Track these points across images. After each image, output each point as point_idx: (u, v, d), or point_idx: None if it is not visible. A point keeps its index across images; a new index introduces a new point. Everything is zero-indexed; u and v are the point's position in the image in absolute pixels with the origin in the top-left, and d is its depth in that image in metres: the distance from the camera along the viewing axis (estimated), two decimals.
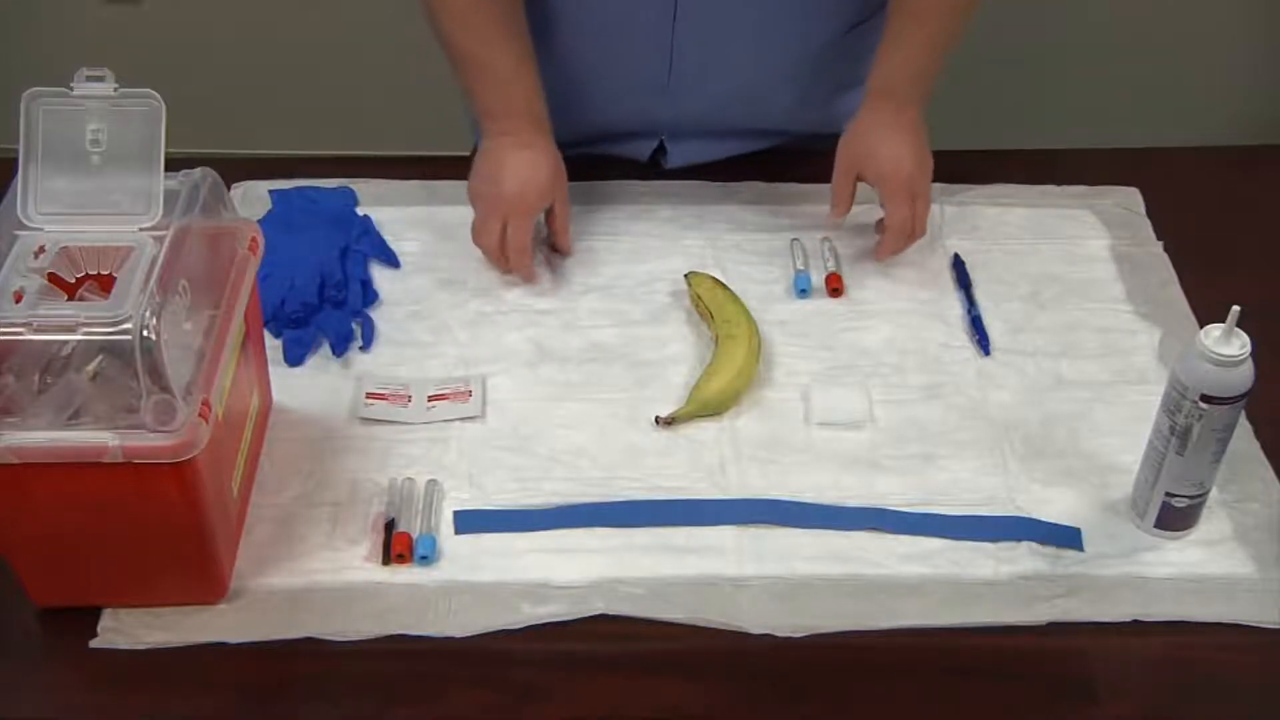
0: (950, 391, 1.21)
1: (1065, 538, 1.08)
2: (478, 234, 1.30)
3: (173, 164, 1.00)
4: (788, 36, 1.35)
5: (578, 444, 1.16)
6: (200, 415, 0.91)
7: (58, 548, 0.99)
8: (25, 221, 0.98)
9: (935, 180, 1.41)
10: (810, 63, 1.38)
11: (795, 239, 1.35)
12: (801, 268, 1.32)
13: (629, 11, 1.31)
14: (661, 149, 1.45)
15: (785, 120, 1.44)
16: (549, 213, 1.32)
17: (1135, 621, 1.03)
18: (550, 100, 1.31)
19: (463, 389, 1.20)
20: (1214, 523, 1.09)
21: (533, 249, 1.30)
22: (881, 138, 1.29)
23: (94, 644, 1.00)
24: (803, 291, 1.30)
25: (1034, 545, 1.08)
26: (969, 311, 1.28)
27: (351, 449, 1.15)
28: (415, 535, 1.07)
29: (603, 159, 1.45)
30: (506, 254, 1.29)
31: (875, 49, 1.31)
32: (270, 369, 1.19)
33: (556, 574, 1.05)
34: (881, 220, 1.31)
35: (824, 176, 1.32)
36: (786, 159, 1.43)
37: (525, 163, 1.27)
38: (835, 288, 1.31)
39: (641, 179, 1.44)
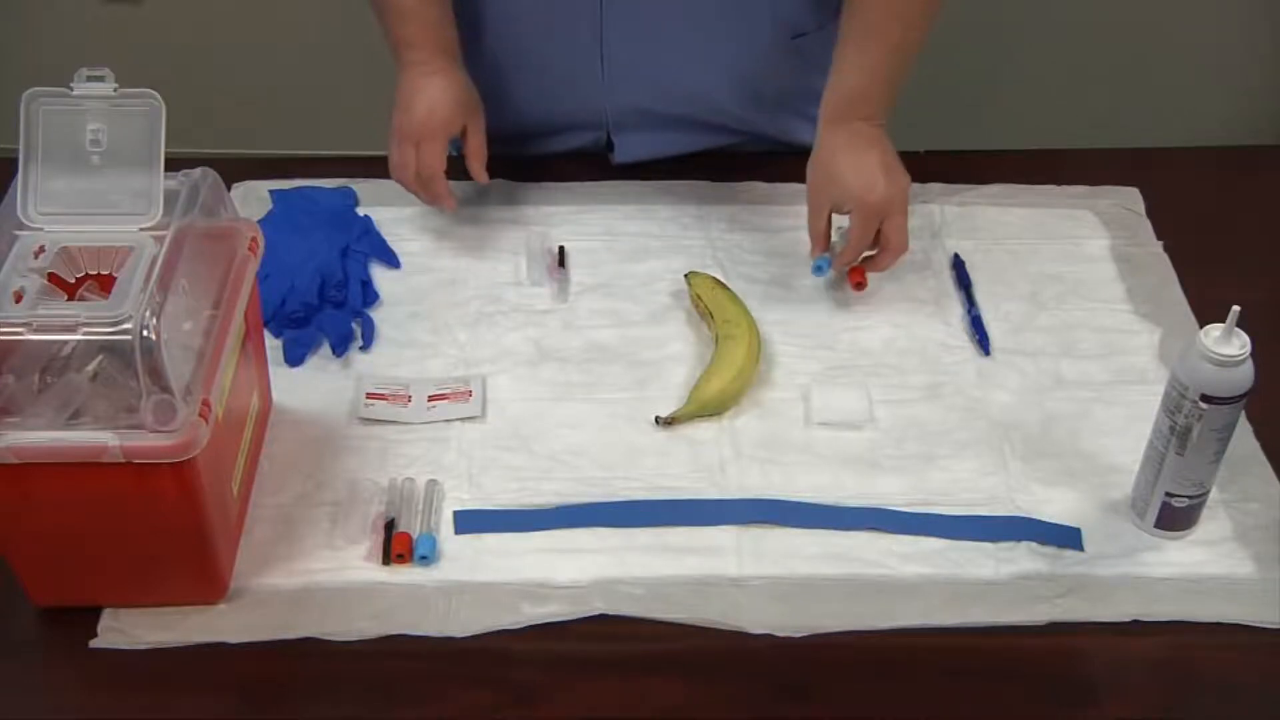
0: (950, 391, 1.21)
1: (1065, 538, 1.08)
2: (392, 165, 1.32)
3: (173, 164, 1.00)
4: (723, 35, 1.35)
5: (578, 444, 1.16)
6: (200, 415, 0.91)
7: (58, 548, 0.99)
8: (25, 221, 0.98)
9: (935, 180, 1.42)
10: (752, 65, 1.38)
11: (839, 226, 1.30)
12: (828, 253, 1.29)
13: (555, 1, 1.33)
14: (610, 144, 1.45)
15: (737, 122, 1.44)
16: (464, 140, 1.32)
17: (1135, 621, 1.03)
18: (490, 89, 1.34)
19: (463, 389, 1.20)
20: (1214, 523, 1.09)
21: (450, 183, 1.31)
22: (845, 163, 1.24)
23: (94, 644, 1.00)
24: (818, 269, 1.28)
25: (1034, 545, 1.08)
26: (969, 311, 1.28)
27: (351, 449, 1.15)
28: (415, 535, 1.07)
29: (552, 157, 1.45)
30: (422, 181, 1.31)
31: (825, 63, 1.27)
32: (270, 369, 1.19)
33: (556, 574, 1.05)
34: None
35: None
36: (786, 159, 1.43)
37: (433, 87, 1.29)
38: (859, 281, 1.29)
39: (593, 176, 1.44)
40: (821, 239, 1.29)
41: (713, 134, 1.45)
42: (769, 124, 1.44)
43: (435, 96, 1.29)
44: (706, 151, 1.45)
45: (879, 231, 1.26)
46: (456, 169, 1.33)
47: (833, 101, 1.26)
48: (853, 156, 1.25)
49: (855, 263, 1.29)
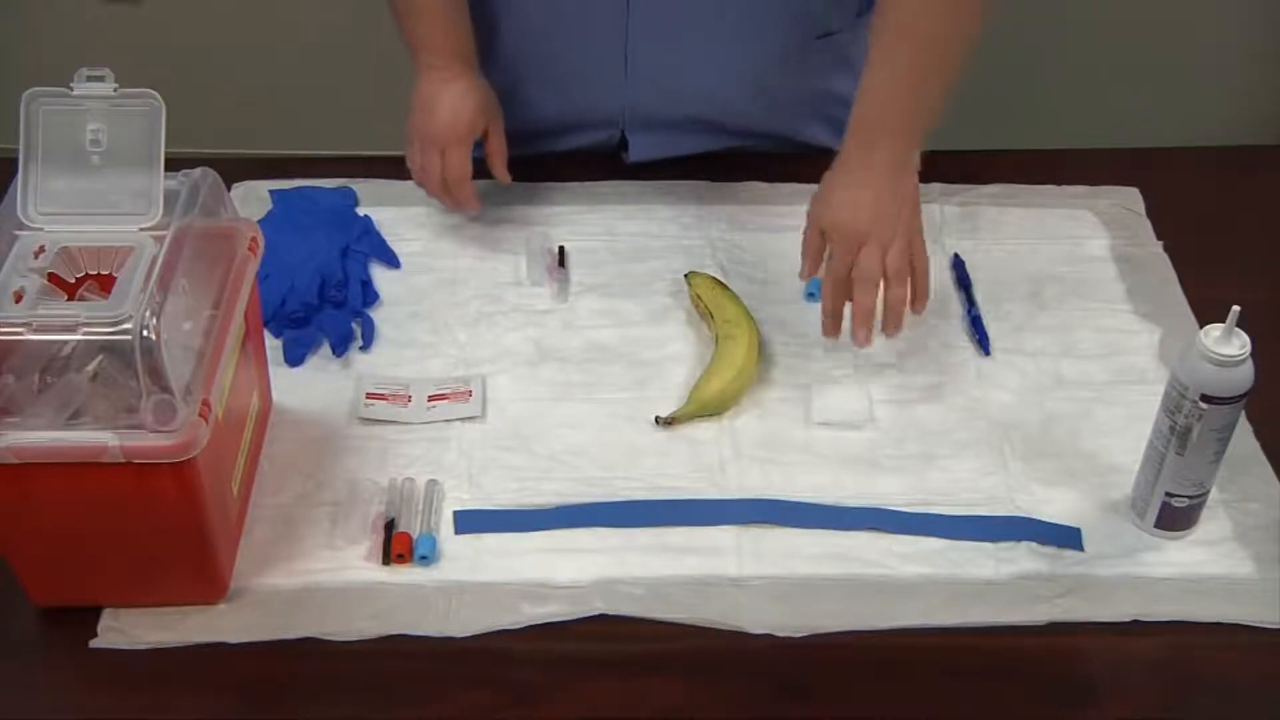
0: (950, 391, 1.21)
1: (1065, 538, 1.08)
2: (418, 170, 1.33)
3: (173, 164, 1.00)
4: (748, 34, 1.34)
5: (578, 444, 1.16)
6: (200, 415, 0.91)
7: (58, 548, 0.99)
8: (25, 221, 0.98)
9: (936, 180, 1.42)
10: (780, 67, 1.38)
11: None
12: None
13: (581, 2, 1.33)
14: (624, 143, 1.45)
15: (755, 123, 1.44)
16: (485, 141, 1.33)
17: (1135, 621, 1.03)
18: (506, 85, 1.35)
19: (463, 389, 1.20)
20: (1214, 523, 1.09)
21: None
22: (840, 183, 1.18)
23: (94, 644, 1.00)
24: (811, 295, 1.29)
25: (1034, 545, 1.08)
26: (969, 311, 1.28)
27: (351, 449, 1.15)
28: (415, 535, 1.07)
29: (564, 155, 1.45)
30: (448, 186, 1.31)
31: (849, 63, 1.26)
32: (270, 369, 1.19)
33: (556, 574, 1.05)
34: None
35: None
36: (786, 159, 1.43)
37: (454, 93, 1.30)
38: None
39: (597, 175, 1.44)
40: (813, 254, 1.23)
41: (728, 136, 1.45)
42: (787, 125, 1.44)
43: (457, 103, 1.29)
44: (710, 151, 1.45)
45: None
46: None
47: (858, 112, 1.19)
48: (851, 178, 1.18)
49: (837, 292, 1.20)
